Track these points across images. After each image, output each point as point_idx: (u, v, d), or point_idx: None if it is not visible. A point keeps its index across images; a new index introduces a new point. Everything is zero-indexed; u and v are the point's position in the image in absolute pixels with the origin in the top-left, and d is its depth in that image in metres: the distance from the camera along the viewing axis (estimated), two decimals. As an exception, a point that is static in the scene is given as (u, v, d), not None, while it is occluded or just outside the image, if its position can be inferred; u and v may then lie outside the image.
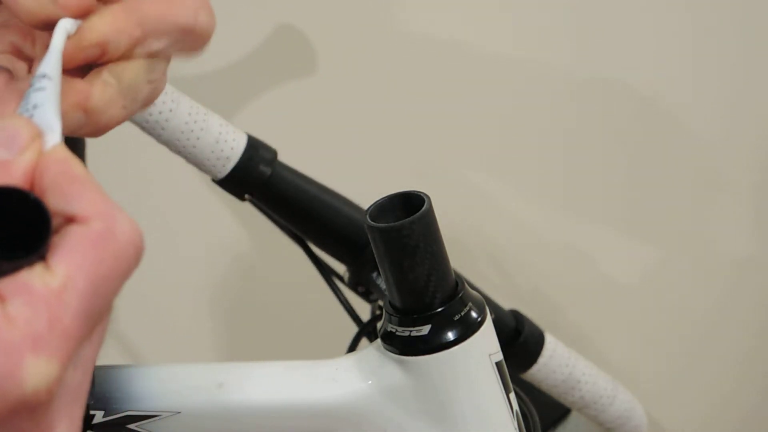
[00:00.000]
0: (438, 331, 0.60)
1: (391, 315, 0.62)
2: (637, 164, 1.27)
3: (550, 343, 0.87)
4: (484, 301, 0.63)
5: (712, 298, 1.31)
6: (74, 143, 0.93)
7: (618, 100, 1.25)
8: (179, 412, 0.61)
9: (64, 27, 0.39)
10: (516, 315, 0.87)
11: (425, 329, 0.60)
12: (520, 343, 0.86)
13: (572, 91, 1.24)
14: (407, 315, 0.61)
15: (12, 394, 0.31)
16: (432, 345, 0.60)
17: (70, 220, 0.33)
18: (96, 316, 0.33)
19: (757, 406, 1.35)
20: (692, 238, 1.29)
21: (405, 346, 0.61)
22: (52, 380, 0.31)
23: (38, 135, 0.34)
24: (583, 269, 1.30)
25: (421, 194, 0.59)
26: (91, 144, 0.97)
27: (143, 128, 0.77)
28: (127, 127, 0.76)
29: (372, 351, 0.63)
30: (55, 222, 0.33)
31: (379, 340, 0.63)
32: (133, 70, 0.40)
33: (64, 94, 0.38)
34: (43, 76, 0.37)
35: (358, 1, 1.23)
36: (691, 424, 1.35)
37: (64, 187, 0.33)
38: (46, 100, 0.36)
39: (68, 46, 0.38)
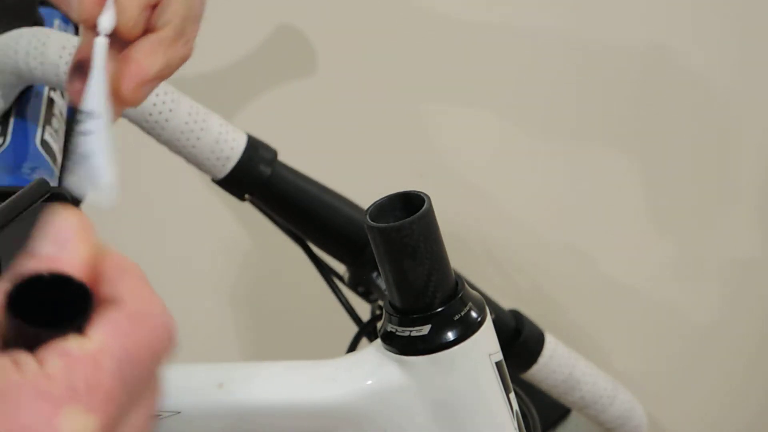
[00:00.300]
0: (438, 331, 0.60)
1: (391, 315, 0.62)
2: (637, 164, 1.27)
3: (550, 343, 0.87)
4: (484, 301, 0.63)
5: (713, 299, 1.31)
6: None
7: (618, 102, 1.25)
8: (179, 412, 0.61)
9: (102, 45, 0.38)
10: (516, 315, 0.87)
11: (425, 329, 0.60)
12: (520, 343, 0.86)
13: (573, 92, 1.24)
14: (407, 315, 0.61)
15: None
16: (432, 345, 0.60)
17: (112, 302, 0.35)
18: (133, 385, 0.34)
19: (759, 407, 1.35)
20: (694, 238, 1.29)
21: (405, 346, 0.61)
22: (89, 429, 0.32)
23: (83, 228, 0.36)
24: (583, 269, 1.30)
25: (421, 194, 0.59)
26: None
27: (143, 128, 0.77)
28: (127, 127, 0.76)
29: (372, 351, 0.63)
30: (100, 304, 0.35)
31: (379, 340, 0.63)
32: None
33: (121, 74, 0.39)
34: (90, 114, 0.37)
35: (358, 1, 1.23)
36: (692, 424, 1.35)
37: (113, 275, 0.36)
38: (97, 147, 0.36)
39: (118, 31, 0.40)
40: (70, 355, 0.33)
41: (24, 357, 0.33)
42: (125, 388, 0.34)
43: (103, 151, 0.36)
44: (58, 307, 0.34)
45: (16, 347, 0.34)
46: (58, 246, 0.35)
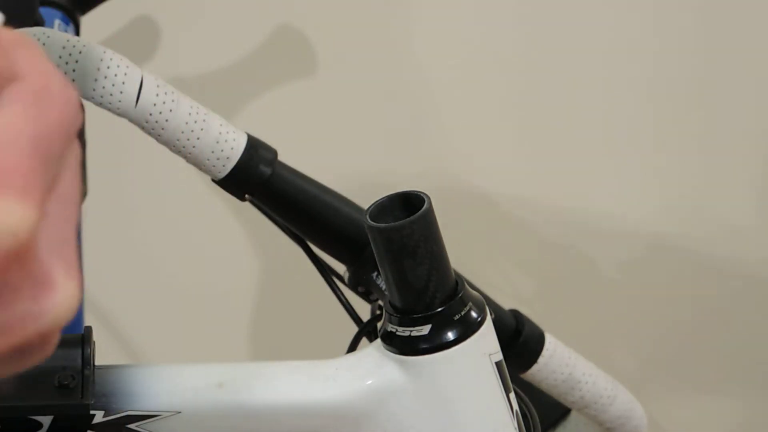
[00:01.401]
0: (438, 331, 0.60)
1: (391, 315, 0.62)
2: (637, 164, 1.27)
3: (550, 343, 0.87)
4: (484, 301, 0.63)
5: (714, 299, 1.31)
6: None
7: (618, 101, 1.25)
8: (179, 412, 0.61)
9: None
10: (516, 315, 0.87)
11: (425, 329, 0.60)
12: (520, 343, 0.86)
13: (572, 91, 1.24)
14: (407, 315, 0.61)
15: None
16: (432, 345, 0.60)
17: (12, 78, 0.34)
18: (51, 163, 0.33)
19: (759, 407, 1.35)
20: (694, 238, 1.29)
21: (405, 346, 0.61)
22: (28, 218, 0.31)
23: None
24: (583, 269, 1.30)
25: (421, 194, 0.59)
26: (91, 144, 0.97)
27: (143, 129, 0.77)
28: (127, 128, 0.76)
29: (372, 351, 0.63)
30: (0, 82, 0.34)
31: (379, 340, 0.63)
32: None
33: None
34: None
35: (358, 1, 1.23)
36: (692, 424, 1.35)
37: (10, 51, 0.35)
38: None
39: None
40: None
41: None
42: (44, 163, 0.33)
43: None
44: None
45: None
46: None
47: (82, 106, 0.36)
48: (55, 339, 0.35)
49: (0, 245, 0.31)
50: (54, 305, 0.33)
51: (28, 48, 0.35)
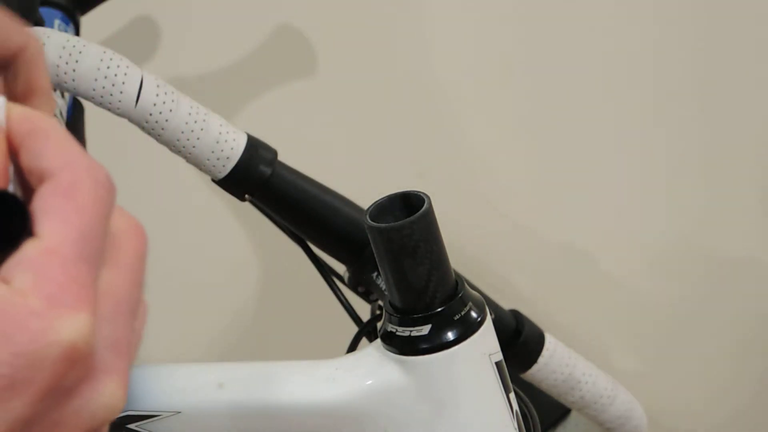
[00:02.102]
0: (438, 331, 0.60)
1: (391, 315, 0.62)
2: (637, 163, 1.27)
3: (550, 343, 0.87)
4: (484, 301, 0.63)
5: (714, 299, 1.31)
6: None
7: (617, 100, 1.25)
8: (179, 412, 0.61)
9: None
10: (516, 315, 0.87)
11: (425, 329, 0.60)
12: (520, 343, 0.86)
13: (572, 91, 1.24)
14: (407, 315, 0.61)
15: (53, 354, 0.32)
16: (432, 345, 0.60)
17: (41, 176, 0.35)
18: (96, 252, 0.34)
19: (761, 407, 1.35)
20: (695, 239, 1.29)
21: (405, 346, 0.61)
22: (84, 327, 0.32)
23: None
24: (583, 269, 1.30)
25: (421, 194, 0.59)
26: (91, 144, 0.97)
27: (143, 128, 0.77)
28: (127, 128, 0.76)
29: (372, 351, 0.63)
30: (33, 181, 0.35)
31: (379, 340, 0.63)
32: None
33: None
34: None
35: (358, 1, 1.23)
36: (692, 424, 1.35)
37: (31, 145, 0.35)
38: None
39: None
40: (30, 261, 0.33)
41: None
42: (90, 262, 0.34)
43: None
44: None
45: None
46: None
47: (112, 185, 0.36)
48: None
49: (63, 354, 0.32)
50: (104, 404, 0.35)
51: (49, 136, 0.35)
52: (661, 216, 1.28)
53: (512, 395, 0.64)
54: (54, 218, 0.33)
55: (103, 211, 0.35)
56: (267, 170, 0.78)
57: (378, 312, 0.85)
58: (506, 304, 0.88)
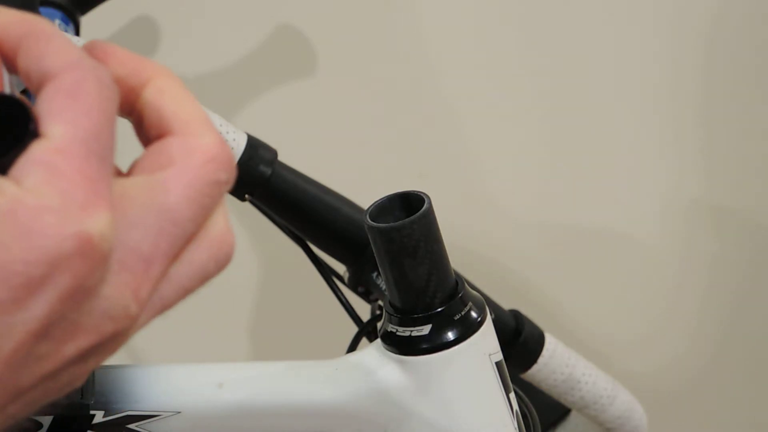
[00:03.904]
0: (438, 331, 0.60)
1: (391, 315, 0.62)
2: (637, 163, 1.27)
3: (550, 343, 0.87)
4: (484, 301, 0.63)
5: (714, 299, 1.31)
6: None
7: (618, 100, 1.25)
8: (179, 412, 0.61)
9: None
10: (516, 315, 0.87)
11: (425, 329, 0.60)
12: (520, 343, 0.86)
13: (573, 92, 1.24)
14: (407, 315, 0.61)
15: (70, 249, 0.31)
16: (432, 345, 0.60)
17: (43, 79, 0.34)
18: (107, 155, 0.33)
19: (762, 407, 1.35)
20: (695, 239, 1.29)
21: (405, 346, 0.61)
22: (101, 222, 0.31)
23: None
24: (583, 269, 1.30)
25: (421, 194, 0.59)
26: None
27: (143, 128, 0.77)
28: (127, 129, 0.76)
29: (372, 351, 0.63)
30: (35, 84, 0.34)
31: (379, 340, 0.63)
32: None
33: None
34: None
35: (359, 1, 1.23)
36: (692, 424, 1.35)
37: (30, 47, 0.34)
38: None
39: None
40: (41, 161, 0.32)
41: (2, 183, 0.31)
42: (102, 159, 0.33)
43: None
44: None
45: None
46: None
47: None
48: (128, 338, 0.35)
49: (77, 252, 0.31)
50: (124, 307, 0.34)
51: (48, 38, 0.34)
52: (662, 216, 1.28)
53: (512, 395, 0.64)
54: (60, 118, 0.33)
55: (109, 109, 0.34)
56: (267, 170, 0.78)
57: (378, 312, 0.85)
58: (506, 304, 0.88)
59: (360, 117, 1.26)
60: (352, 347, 0.83)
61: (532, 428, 0.71)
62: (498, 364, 0.62)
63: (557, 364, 0.87)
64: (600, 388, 0.89)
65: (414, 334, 0.60)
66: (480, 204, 1.28)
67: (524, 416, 0.68)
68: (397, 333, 0.61)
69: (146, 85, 0.38)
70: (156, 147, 0.36)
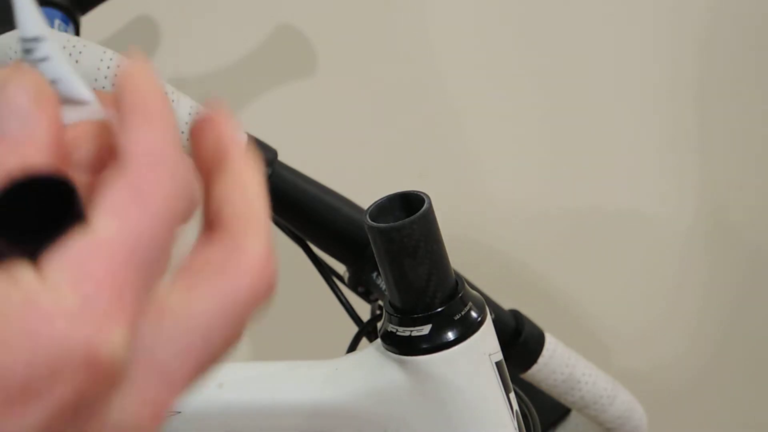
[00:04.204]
0: (438, 331, 0.60)
1: (391, 315, 0.62)
2: (637, 162, 1.27)
3: (550, 343, 0.87)
4: (484, 301, 0.63)
5: (714, 299, 1.31)
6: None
7: (619, 101, 1.25)
8: (179, 412, 0.61)
9: None
10: (516, 315, 0.87)
11: (425, 329, 0.60)
12: (520, 343, 0.86)
13: (573, 92, 1.24)
14: (407, 315, 0.61)
15: (75, 363, 0.28)
16: (432, 345, 0.60)
17: (121, 156, 0.31)
18: (151, 266, 0.30)
19: (763, 408, 1.35)
20: (695, 239, 1.29)
21: (405, 346, 0.61)
22: (116, 341, 0.29)
23: (44, 87, 0.31)
24: (583, 269, 1.30)
25: (421, 194, 0.59)
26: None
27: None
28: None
29: (372, 351, 0.63)
30: (106, 157, 0.31)
31: (379, 340, 0.63)
32: None
33: None
34: (35, 39, 0.33)
35: (359, 2, 1.23)
36: (692, 424, 1.35)
37: (125, 118, 0.31)
38: (61, 70, 0.32)
39: None
40: (73, 255, 0.29)
41: (21, 270, 0.29)
42: (143, 269, 0.30)
43: (67, 70, 0.33)
44: (47, 204, 0.30)
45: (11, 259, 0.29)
46: (19, 121, 0.30)
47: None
48: None
49: (83, 368, 0.28)
50: (133, 427, 0.31)
51: (141, 112, 0.31)
52: (661, 216, 1.28)
53: (512, 395, 0.64)
54: (114, 212, 0.30)
55: (173, 216, 0.31)
56: (267, 170, 0.78)
57: (378, 312, 0.85)
58: (506, 304, 0.88)
59: (360, 117, 1.25)
60: (352, 347, 0.83)
61: (532, 428, 0.71)
62: (498, 364, 0.62)
63: (557, 364, 0.87)
64: (600, 388, 0.89)
65: (414, 334, 0.60)
66: (480, 204, 1.28)
67: (524, 416, 0.68)
68: (397, 333, 0.61)
69: (222, 170, 0.34)
70: (205, 250, 0.33)
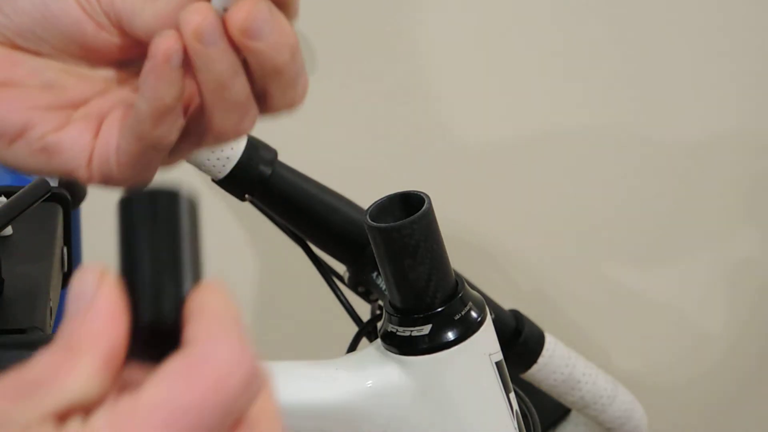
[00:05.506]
0: (438, 330, 0.60)
1: (391, 315, 0.62)
2: (639, 165, 1.27)
3: (550, 343, 0.87)
4: (484, 301, 0.63)
5: (715, 299, 1.31)
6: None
7: (620, 101, 1.25)
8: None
9: None
10: (516, 315, 0.87)
11: (425, 329, 0.60)
12: (520, 343, 0.86)
13: (574, 93, 1.24)
14: (407, 315, 0.61)
15: None
16: (432, 345, 0.60)
17: (190, 338, 0.33)
18: None
19: (761, 409, 1.35)
20: (694, 238, 1.29)
21: (405, 346, 0.61)
22: None
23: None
24: (583, 269, 1.30)
25: (421, 194, 0.59)
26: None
27: (143, 128, 0.77)
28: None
29: (372, 351, 0.63)
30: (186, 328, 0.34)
31: (379, 340, 0.63)
32: None
33: None
34: None
35: (359, 2, 1.23)
36: (692, 424, 1.35)
37: (194, 316, 0.33)
38: None
39: None
40: (112, 411, 0.31)
41: (72, 421, 0.31)
42: None
43: None
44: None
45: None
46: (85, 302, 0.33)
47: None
48: None
49: None
50: None
51: (206, 313, 0.33)
52: (661, 216, 1.28)
53: (512, 395, 0.64)
54: (161, 383, 0.31)
55: (223, 403, 0.32)
56: (267, 170, 0.78)
57: (378, 312, 0.85)
58: (506, 304, 0.88)
59: (360, 117, 1.26)
60: (352, 347, 0.83)
61: (532, 428, 0.71)
62: (498, 364, 0.62)
63: (557, 364, 0.87)
64: (600, 388, 0.89)
65: (414, 334, 0.60)
66: (480, 204, 1.28)
67: (524, 416, 0.68)
68: (398, 333, 0.61)
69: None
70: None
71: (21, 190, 0.69)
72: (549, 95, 1.25)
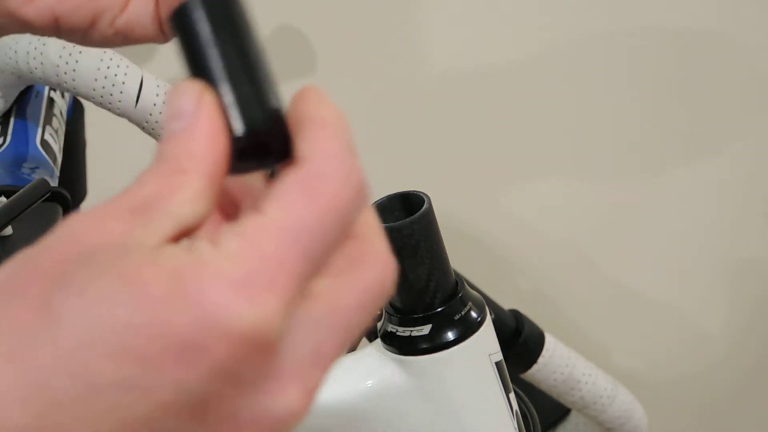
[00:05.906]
0: (438, 331, 0.60)
1: (391, 315, 0.62)
2: (638, 165, 1.27)
3: (550, 343, 0.87)
4: (484, 301, 0.63)
5: (714, 299, 1.31)
6: (75, 143, 0.93)
7: (620, 102, 1.25)
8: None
9: None
10: (516, 315, 0.87)
11: (425, 329, 0.60)
12: (520, 343, 0.86)
13: (575, 93, 1.24)
14: (407, 315, 0.61)
15: (230, 329, 0.30)
16: (432, 345, 0.60)
17: (294, 162, 0.33)
18: (312, 258, 0.32)
19: (760, 409, 1.35)
20: (694, 238, 1.29)
21: (405, 346, 0.61)
22: (270, 314, 0.30)
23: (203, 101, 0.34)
24: (583, 269, 1.30)
25: (421, 194, 0.59)
26: (91, 146, 0.97)
27: (143, 128, 0.77)
28: (127, 127, 0.76)
29: (372, 351, 0.63)
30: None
31: (379, 340, 0.63)
32: None
33: None
34: None
35: (359, 2, 1.23)
36: (691, 423, 1.35)
37: (302, 129, 0.34)
38: None
39: None
40: (245, 231, 0.31)
41: (198, 241, 0.31)
42: (305, 258, 0.31)
43: None
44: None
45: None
46: (183, 122, 0.34)
47: (365, 192, 0.34)
48: None
49: (237, 335, 0.30)
50: (285, 410, 0.34)
51: (316, 125, 0.34)
52: (661, 215, 1.28)
53: (512, 395, 0.64)
54: (284, 200, 0.32)
55: (340, 216, 0.32)
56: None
57: (378, 312, 0.85)
58: (506, 304, 0.88)
59: (360, 117, 1.25)
60: (352, 347, 0.83)
61: (532, 428, 0.71)
62: (498, 364, 0.62)
63: (557, 364, 0.87)
64: (600, 388, 0.89)
65: (414, 334, 0.60)
66: (480, 204, 1.28)
67: (524, 416, 0.68)
68: (397, 333, 0.61)
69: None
70: (346, 251, 0.34)
71: (21, 190, 0.69)
72: (549, 95, 1.25)
